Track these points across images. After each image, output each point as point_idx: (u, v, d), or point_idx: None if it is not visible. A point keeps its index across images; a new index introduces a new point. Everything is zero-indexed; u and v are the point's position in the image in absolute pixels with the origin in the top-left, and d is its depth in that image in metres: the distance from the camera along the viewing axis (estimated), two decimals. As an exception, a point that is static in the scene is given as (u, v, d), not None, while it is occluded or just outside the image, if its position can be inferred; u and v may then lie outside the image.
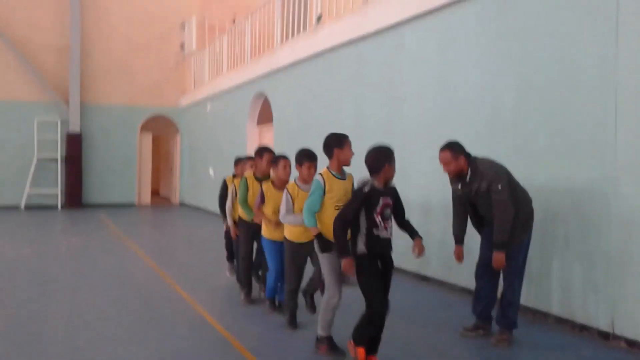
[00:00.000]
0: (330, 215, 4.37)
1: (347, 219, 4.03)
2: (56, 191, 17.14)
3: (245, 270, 6.17)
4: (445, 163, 4.80)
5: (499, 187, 4.59)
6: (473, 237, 5.20)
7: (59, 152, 17.08)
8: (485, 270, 4.97)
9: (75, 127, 17.30)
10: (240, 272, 6.29)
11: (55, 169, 17.15)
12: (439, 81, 6.95)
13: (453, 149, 4.78)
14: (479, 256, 5.06)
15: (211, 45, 16.57)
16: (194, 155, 18.07)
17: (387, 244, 4.13)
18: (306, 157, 4.90)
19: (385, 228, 4.07)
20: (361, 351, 4.02)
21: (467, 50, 6.52)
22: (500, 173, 4.68)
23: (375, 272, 4.06)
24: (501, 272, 4.89)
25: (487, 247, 4.91)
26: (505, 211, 4.57)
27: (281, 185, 5.42)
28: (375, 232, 4.02)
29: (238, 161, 7.03)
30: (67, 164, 17.23)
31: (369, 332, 4.08)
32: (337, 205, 4.40)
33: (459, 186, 4.87)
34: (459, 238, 5.03)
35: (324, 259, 4.46)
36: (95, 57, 17.77)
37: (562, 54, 5.29)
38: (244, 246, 6.10)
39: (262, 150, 5.98)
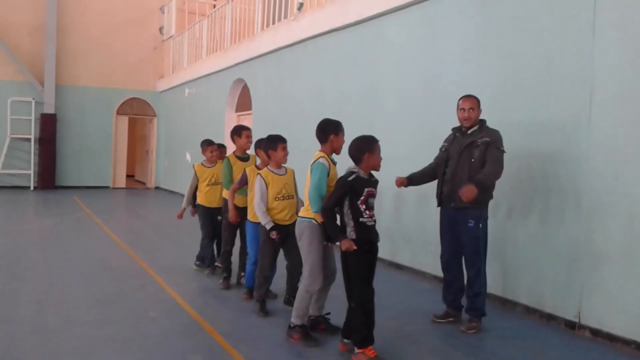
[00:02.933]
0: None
1: (330, 207, 4.09)
2: (29, 172, 16.87)
3: (228, 254, 6.19)
4: (472, 107, 4.92)
5: (502, 148, 4.82)
6: (435, 232, 5.25)
7: (32, 133, 16.80)
8: (451, 262, 5.11)
9: (49, 108, 17.04)
10: (222, 255, 6.30)
11: (29, 149, 16.88)
12: (420, 72, 6.99)
13: (479, 100, 4.97)
14: (442, 249, 5.18)
15: (191, 30, 16.40)
16: (171, 139, 17.93)
17: (373, 231, 4.16)
18: (280, 139, 5.07)
19: (371, 216, 4.11)
20: (371, 352, 4.01)
21: (449, 42, 6.56)
22: (502, 143, 4.89)
23: (364, 262, 4.05)
24: (463, 261, 5.03)
25: (447, 240, 5.06)
26: (497, 167, 4.77)
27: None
28: (360, 219, 4.06)
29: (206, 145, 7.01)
30: (40, 144, 16.98)
31: (367, 328, 4.04)
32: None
33: (456, 135, 5.02)
34: (411, 177, 5.29)
35: (312, 244, 4.35)
36: (71, 38, 17.47)
37: (541, 49, 5.37)
38: (229, 229, 6.11)
39: (240, 128, 6.30)
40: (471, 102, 4.94)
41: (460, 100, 5.00)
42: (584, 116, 4.89)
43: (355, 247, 3.98)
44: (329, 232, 4.19)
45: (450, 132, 5.20)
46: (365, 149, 4.13)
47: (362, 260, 4.06)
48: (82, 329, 4.64)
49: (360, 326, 4.06)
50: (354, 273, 4.07)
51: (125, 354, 4.15)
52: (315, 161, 4.37)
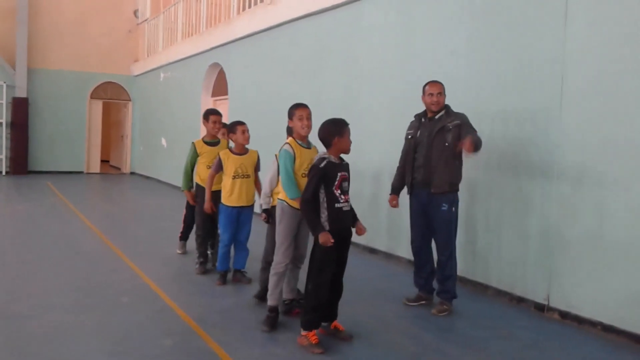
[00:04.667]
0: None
1: (309, 199, 4.00)
2: (0, 156, 16.58)
3: (202, 239, 6.16)
4: (440, 92, 4.97)
5: (475, 129, 4.85)
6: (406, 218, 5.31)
7: (4, 117, 16.50)
8: (422, 246, 5.18)
9: (21, 92, 16.71)
10: (196, 240, 6.25)
11: (0, 134, 16.57)
12: (397, 57, 6.99)
13: (444, 86, 5.03)
14: (412, 234, 5.23)
15: (166, 13, 16.17)
16: (146, 124, 17.72)
17: (348, 216, 4.15)
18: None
19: (346, 200, 4.09)
20: (313, 337, 4.03)
21: (426, 28, 6.56)
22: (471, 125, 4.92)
23: (331, 251, 4.01)
24: (434, 245, 5.11)
25: (419, 225, 5.13)
26: (478, 138, 4.73)
27: (241, 150, 5.53)
28: (336, 205, 4.03)
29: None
30: (12, 129, 16.67)
31: (314, 312, 4.08)
32: (303, 174, 4.35)
33: (422, 120, 5.05)
34: (396, 189, 5.34)
35: (281, 224, 4.42)
36: (44, 20, 17.13)
37: (513, 37, 5.41)
38: (202, 214, 6.06)
39: (207, 113, 6.26)
40: (439, 87, 4.99)
41: (427, 86, 5.03)
42: (555, 104, 4.94)
43: (332, 242, 3.93)
44: (308, 225, 4.12)
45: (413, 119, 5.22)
46: (335, 132, 4.06)
47: (330, 249, 4.00)
48: (54, 315, 4.60)
49: (309, 309, 4.09)
50: (317, 257, 4.04)
51: (98, 339, 4.13)
52: (280, 149, 4.41)
